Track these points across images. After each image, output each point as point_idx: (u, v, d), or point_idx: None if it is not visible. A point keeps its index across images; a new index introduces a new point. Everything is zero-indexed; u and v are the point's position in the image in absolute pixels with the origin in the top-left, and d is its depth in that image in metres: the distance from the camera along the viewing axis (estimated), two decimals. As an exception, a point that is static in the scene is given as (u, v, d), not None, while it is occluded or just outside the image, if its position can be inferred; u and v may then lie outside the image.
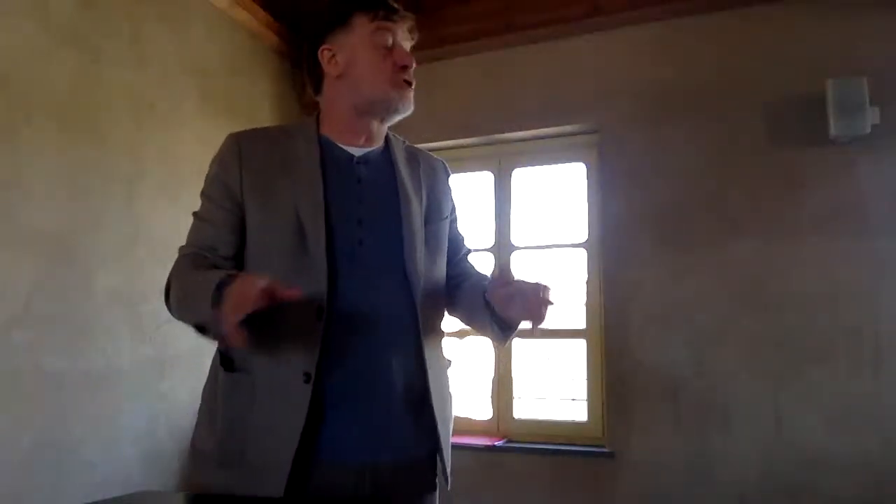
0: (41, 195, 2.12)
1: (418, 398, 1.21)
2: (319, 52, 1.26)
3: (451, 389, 1.32)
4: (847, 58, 2.67)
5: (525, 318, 1.15)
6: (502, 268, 1.17)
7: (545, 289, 1.11)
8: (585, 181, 3.20)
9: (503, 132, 3.27)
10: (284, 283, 1.00)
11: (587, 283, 3.12)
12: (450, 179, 1.41)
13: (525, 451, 2.99)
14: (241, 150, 1.21)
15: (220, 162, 1.23)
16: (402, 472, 1.19)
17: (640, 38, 3.02)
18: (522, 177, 3.37)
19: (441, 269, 1.31)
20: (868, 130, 2.55)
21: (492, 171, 3.39)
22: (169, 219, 2.63)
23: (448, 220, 1.35)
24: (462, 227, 1.43)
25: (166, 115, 2.66)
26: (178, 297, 1.15)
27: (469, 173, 3.48)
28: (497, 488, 2.95)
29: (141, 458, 2.44)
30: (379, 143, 1.31)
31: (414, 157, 1.36)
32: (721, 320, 2.73)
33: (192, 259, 1.19)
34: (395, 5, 1.27)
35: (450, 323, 1.37)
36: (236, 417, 1.14)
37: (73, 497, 2.09)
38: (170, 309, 1.20)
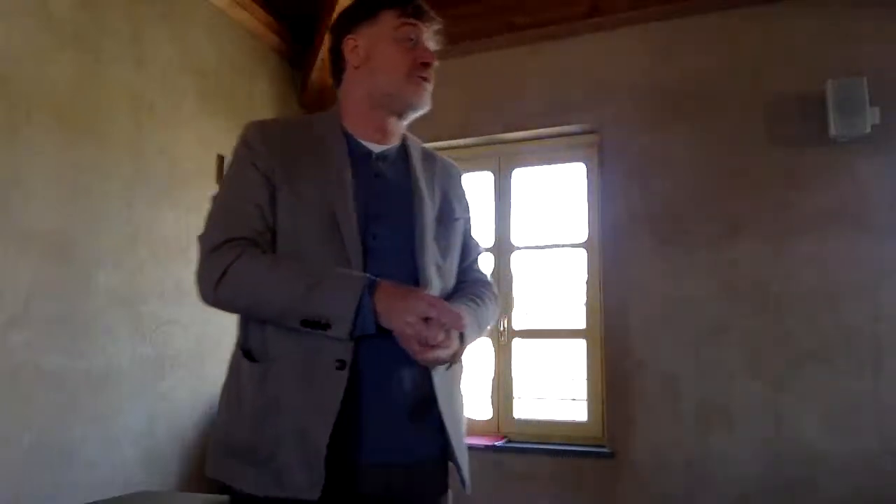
0: (41, 195, 2.12)
1: (426, 398, 1.19)
2: (344, 41, 1.27)
3: (462, 392, 1.31)
4: (847, 58, 2.67)
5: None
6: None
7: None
8: (585, 181, 3.20)
9: (503, 132, 3.28)
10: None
11: (587, 283, 3.12)
12: (464, 184, 1.42)
13: (525, 451, 2.99)
14: (266, 135, 1.21)
15: (246, 145, 1.20)
16: (414, 474, 1.19)
17: (640, 38, 3.02)
18: (522, 177, 3.37)
19: (451, 269, 1.30)
20: (868, 130, 2.55)
21: (492, 171, 3.39)
22: (169, 219, 2.63)
23: (461, 222, 1.35)
24: (475, 232, 1.42)
25: (166, 115, 2.66)
26: (275, 289, 1.10)
27: (469, 173, 3.48)
28: (497, 488, 2.95)
29: (141, 458, 2.44)
30: (395, 141, 1.30)
31: (430, 158, 1.36)
32: (721, 320, 2.73)
33: (255, 251, 1.13)
34: (426, 6, 1.27)
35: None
36: (268, 406, 1.11)
37: (73, 497, 2.09)
38: (228, 298, 1.13)
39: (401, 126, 1.30)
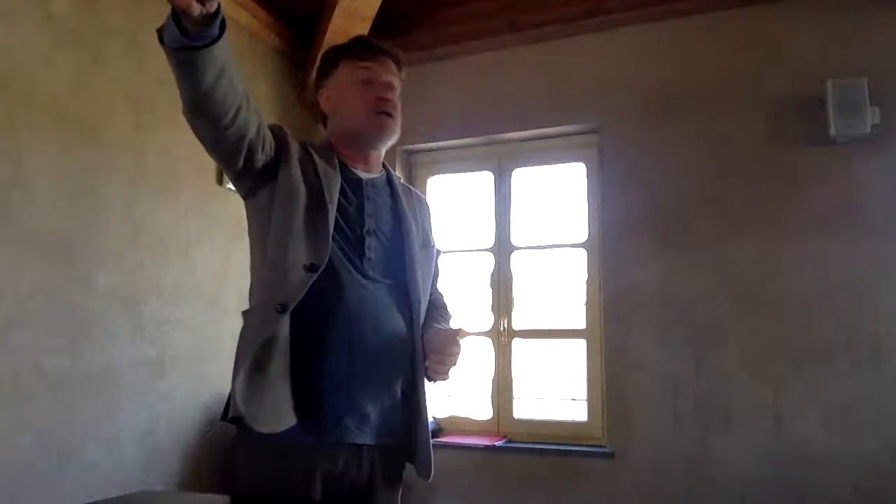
0: (41, 195, 2.12)
1: (410, 400, 1.37)
2: (319, 95, 1.48)
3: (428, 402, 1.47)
4: (847, 58, 2.67)
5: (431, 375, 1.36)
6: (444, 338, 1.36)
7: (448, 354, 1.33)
8: (585, 181, 3.20)
9: (503, 132, 3.27)
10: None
11: (587, 283, 3.13)
12: (432, 216, 1.59)
13: (525, 451, 2.99)
14: (290, 135, 1.38)
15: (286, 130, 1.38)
16: (390, 460, 1.35)
17: (640, 38, 3.02)
18: (522, 177, 3.37)
19: (427, 288, 1.47)
20: (868, 130, 2.55)
21: (492, 171, 3.39)
22: (169, 219, 2.63)
23: (434, 249, 1.52)
24: (439, 259, 1.59)
25: (166, 115, 2.66)
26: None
27: (469, 173, 3.48)
28: (497, 488, 2.95)
29: (141, 458, 2.44)
30: (379, 170, 1.48)
31: (407, 190, 1.54)
32: (721, 320, 2.73)
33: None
34: (378, 45, 1.43)
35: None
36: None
37: (73, 497, 2.09)
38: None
39: (378, 155, 1.48)
